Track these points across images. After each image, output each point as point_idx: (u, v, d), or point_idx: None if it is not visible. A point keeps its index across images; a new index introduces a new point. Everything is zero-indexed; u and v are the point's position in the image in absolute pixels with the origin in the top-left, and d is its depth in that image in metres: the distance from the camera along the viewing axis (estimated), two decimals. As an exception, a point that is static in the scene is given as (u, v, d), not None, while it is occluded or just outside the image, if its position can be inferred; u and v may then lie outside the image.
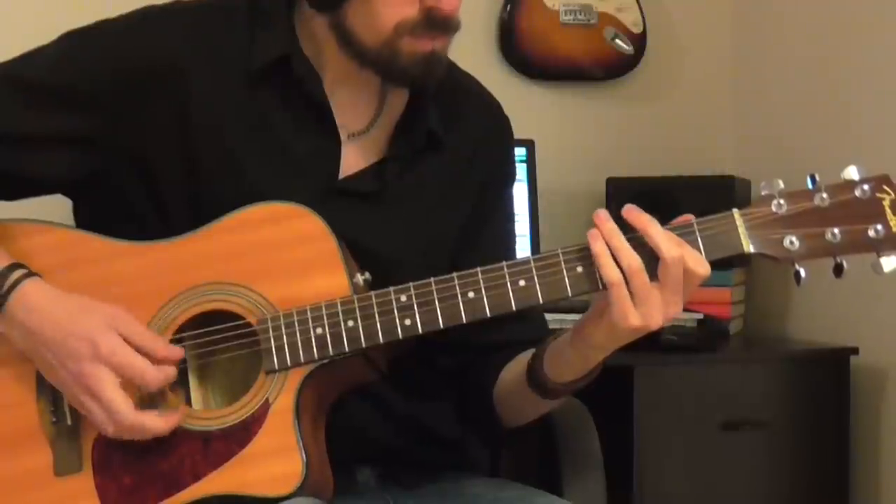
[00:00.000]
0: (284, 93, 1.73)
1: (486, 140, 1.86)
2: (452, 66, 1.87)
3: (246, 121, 1.72)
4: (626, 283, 1.53)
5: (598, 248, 1.54)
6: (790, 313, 2.93)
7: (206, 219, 1.66)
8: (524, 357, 1.73)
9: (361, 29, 1.66)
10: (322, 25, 1.71)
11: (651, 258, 1.53)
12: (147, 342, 1.60)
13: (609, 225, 1.54)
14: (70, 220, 1.79)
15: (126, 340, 1.59)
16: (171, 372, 1.61)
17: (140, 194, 1.72)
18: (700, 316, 2.59)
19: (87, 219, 1.75)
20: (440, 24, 1.65)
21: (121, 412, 1.57)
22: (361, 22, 1.66)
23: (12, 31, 2.40)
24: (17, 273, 1.63)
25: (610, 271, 1.53)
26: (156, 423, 1.59)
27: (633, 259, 1.53)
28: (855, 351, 2.61)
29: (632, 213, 1.54)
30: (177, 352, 1.62)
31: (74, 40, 1.74)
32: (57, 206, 1.79)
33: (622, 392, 2.45)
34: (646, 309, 1.53)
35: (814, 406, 2.59)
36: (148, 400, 1.61)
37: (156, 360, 1.60)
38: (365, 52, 1.67)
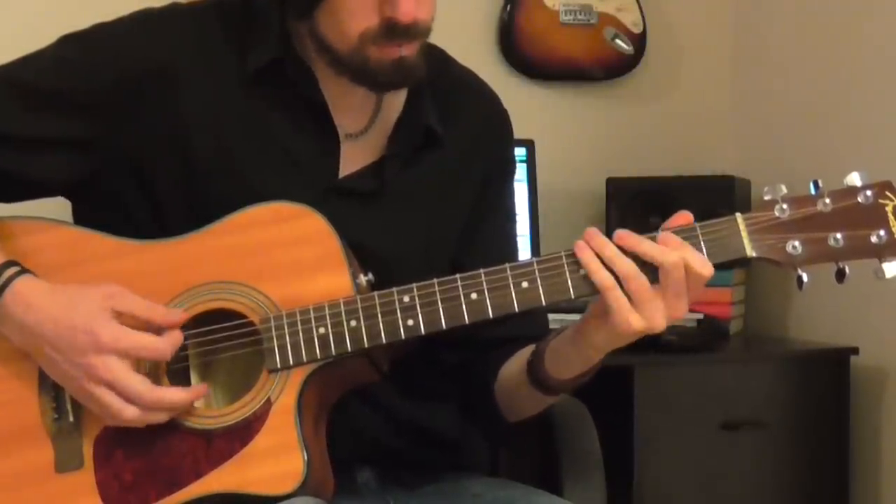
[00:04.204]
0: (282, 94, 1.73)
1: (485, 135, 1.86)
2: (451, 62, 1.88)
3: (244, 122, 1.72)
4: (623, 287, 1.53)
5: (586, 256, 1.55)
6: (790, 313, 2.94)
7: (204, 221, 1.66)
8: (524, 354, 1.74)
9: (332, 37, 1.66)
10: (306, 31, 1.71)
11: (650, 264, 1.53)
12: (146, 313, 1.60)
13: (598, 239, 1.55)
14: (70, 220, 1.79)
15: (124, 316, 1.59)
16: (177, 337, 1.61)
17: (136, 196, 1.72)
18: (700, 316, 2.60)
19: (85, 220, 1.75)
20: (402, 33, 1.64)
21: (142, 393, 1.57)
22: (331, 30, 1.66)
23: (10, 33, 2.40)
24: (9, 271, 1.63)
25: (601, 276, 1.54)
26: (179, 395, 1.59)
27: (625, 265, 1.53)
28: (855, 351, 2.62)
29: (621, 237, 1.55)
30: (177, 315, 1.62)
31: (73, 44, 1.74)
32: (58, 206, 1.79)
33: (622, 392, 2.45)
34: (647, 312, 1.54)
35: (814, 406, 2.60)
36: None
37: (159, 329, 1.60)
38: (339, 58, 1.67)
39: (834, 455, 2.61)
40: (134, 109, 1.70)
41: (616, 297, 1.54)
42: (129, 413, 1.58)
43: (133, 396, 1.57)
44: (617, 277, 1.54)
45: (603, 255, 1.54)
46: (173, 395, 1.60)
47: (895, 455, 2.64)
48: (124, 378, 1.57)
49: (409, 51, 1.66)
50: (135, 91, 1.70)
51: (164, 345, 1.60)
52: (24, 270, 1.64)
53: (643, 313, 1.54)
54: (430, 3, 1.67)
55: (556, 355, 1.68)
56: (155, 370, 1.63)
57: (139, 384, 1.58)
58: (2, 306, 1.62)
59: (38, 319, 1.60)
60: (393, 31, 1.63)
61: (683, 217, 1.58)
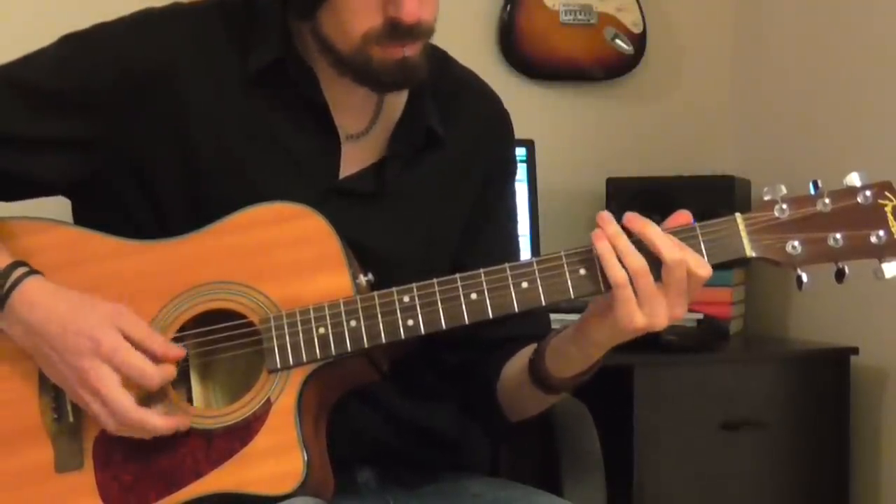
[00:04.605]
0: (283, 94, 1.73)
1: (486, 136, 1.86)
2: (452, 62, 1.88)
3: (245, 123, 1.72)
4: (631, 284, 1.53)
5: (603, 248, 1.54)
6: (790, 313, 2.94)
7: (205, 221, 1.66)
8: (526, 353, 1.74)
9: (334, 37, 1.66)
10: (307, 31, 1.71)
11: (654, 260, 1.53)
12: (148, 340, 1.60)
13: (613, 227, 1.55)
14: (70, 220, 1.79)
15: (127, 337, 1.59)
16: (170, 371, 1.61)
17: (137, 196, 1.72)
18: (700, 316, 2.60)
19: (86, 221, 1.75)
20: (405, 33, 1.64)
21: (122, 410, 1.57)
22: (333, 30, 1.66)
23: (10, 33, 2.40)
24: (19, 271, 1.63)
25: (616, 272, 1.53)
26: (157, 421, 1.59)
27: (637, 261, 1.53)
28: (855, 351, 2.61)
29: (631, 219, 1.55)
30: (177, 350, 1.62)
31: (74, 43, 1.74)
32: (58, 206, 1.79)
33: (622, 392, 2.45)
34: (650, 310, 1.54)
35: (814, 406, 2.60)
36: (147, 398, 1.61)
37: (156, 359, 1.60)
38: (341, 59, 1.67)
39: (834, 455, 2.61)
40: (135, 109, 1.70)
41: (626, 295, 1.54)
42: (111, 426, 1.58)
43: (116, 411, 1.57)
44: (627, 272, 1.54)
45: (616, 245, 1.54)
46: (153, 420, 1.59)
47: (895, 455, 2.64)
48: (111, 391, 1.57)
49: (412, 51, 1.66)
50: (136, 91, 1.70)
51: (154, 374, 1.59)
52: (32, 271, 1.64)
53: (646, 310, 1.54)
54: (433, 4, 1.67)
55: (557, 354, 1.68)
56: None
57: (124, 401, 1.57)
58: (9, 306, 1.62)
59: (42, 319, 1.61)
60: (396, 31, 1.63)
61: (682, 217, 1.58)
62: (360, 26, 1.63)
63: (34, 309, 1.61)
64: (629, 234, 1.55)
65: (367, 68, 1.66)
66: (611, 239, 1.54)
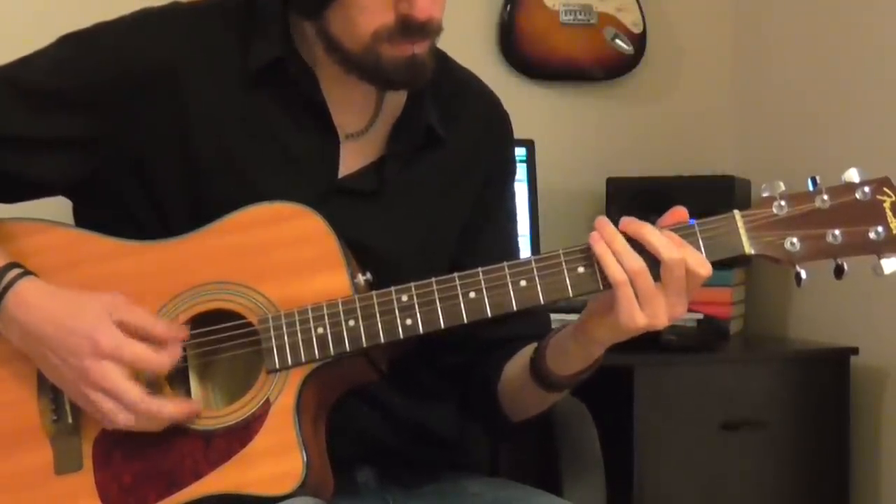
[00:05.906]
0: (282, 93, 1.73)
1: (486, 136, 1.86)
2: (452, 63, 1.88)
3: (245, 122, 1.72)
4: (630, 283, 1.53)
5: (600, 249, 1.54)
6: (790, 313, 2.93)
7: (206, 220, 1.66)
8: (527, 351, 1.74)
9: (343, 36, 1.66)
10: (311, 30, 1.71)
11: (653, 260, 1.53)
12: (149, 325, 1.60)
13: (610, 229, 1.55)
14: (70, 220, 1.79)
15: (126, 326, 1.59)
16: (176, 352, 1.61)
17: (138, 196, 1.72)
18: (700, 316, 2.60)
19: (87, 220, 1.75)
20: (417, 30, 1.64)
21: (133, 401, 1.57)
22: (342, 29, 1.66)
23: (10, 33, 2.40)
24: (12, 273, 1.63)
25: (615, 271, 1.53)
26: (171, 407, 1.59)
27: (635, 261, 1.53)
28: (855, 351, 2.61)
29: (627, 223, 1.55)
30: (178, 330, 1.62)
31: (73, 43, 1.74)
32: (58, 206, 1.79)
33: (622, 392, 2.45)
34: (651, 309, 1.54)
35: (814, 406, 2.60)
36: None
37: (160, 343, 1.60)
38: (349, 57, 1.67)
39: (834, 455, 2.61)
40: (135, 108, 1.70)
41: (626, 293, 1.53)
42: (123, 419, 1.58)
43: (127, 404, 1.57)
44: (626, 273, 1.54)
45: (613, 247, 1.54)
46: (167, 408, 1.59)
47: (895, 455, 2.63)
48: (120, 385, 1.57)
49: (421, 49, 1.66)
50: (136, 90, 1.70)
51: (164, 358, 1.60)
52: (26, 272, 1.64)
53: (647, 310, 1.54)
54: (442, 1, 1.67)
55: (558, 351, 1.68)
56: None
57: (135, 393, 1.57)
58: (4, 308, 1.62)
59: (39, 321, 1.61)
60: (408, 28, 1.63)
61: (678, 213, 1.58)
62: (371, 24, 1.63)
63: (30, 311, 1.61)
64: (627, 237, 1.55)
65: (376, 67, 1.66)
66: (608, 241, 1.54)
